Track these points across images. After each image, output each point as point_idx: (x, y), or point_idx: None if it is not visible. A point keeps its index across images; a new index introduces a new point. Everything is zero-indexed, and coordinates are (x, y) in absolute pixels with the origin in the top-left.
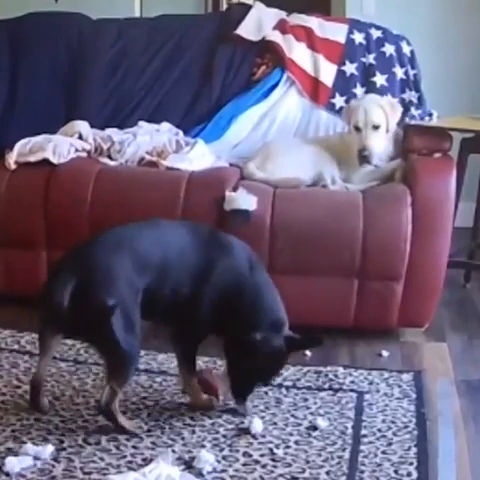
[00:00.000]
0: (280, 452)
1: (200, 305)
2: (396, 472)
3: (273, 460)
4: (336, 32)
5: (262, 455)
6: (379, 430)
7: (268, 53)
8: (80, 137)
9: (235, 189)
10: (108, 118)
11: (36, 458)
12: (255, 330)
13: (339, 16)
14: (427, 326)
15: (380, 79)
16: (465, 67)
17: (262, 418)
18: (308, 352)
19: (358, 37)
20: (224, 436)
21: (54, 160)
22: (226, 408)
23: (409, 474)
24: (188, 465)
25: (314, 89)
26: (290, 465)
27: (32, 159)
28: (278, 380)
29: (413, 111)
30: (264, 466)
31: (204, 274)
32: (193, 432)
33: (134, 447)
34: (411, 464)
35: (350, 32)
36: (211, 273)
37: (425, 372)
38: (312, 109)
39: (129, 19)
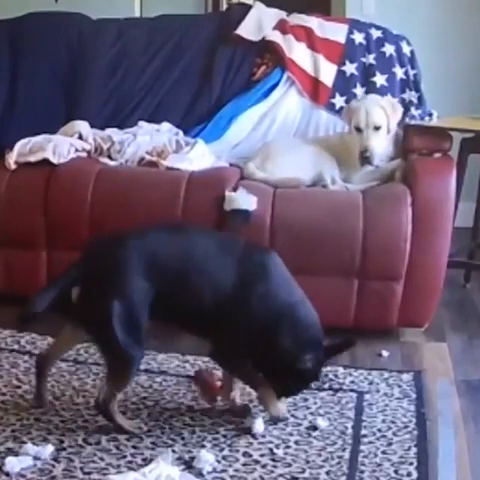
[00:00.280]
0: (280, 452)
1: (236, 329)
2: (396, 472)
3: (273, 460)
4: (336, 32)
5: (262, 455)
6: (379, 430)
7: (268, 53)
8: (80, 137)
9: (235, 189)
10: (108, 118)
11: (36, 458)
12: (301, 355)
13: (339, 16)
14: (427, 326)
15: (380, 79)
16: (465, 67)
17: (262, 418)
18: None
19: (358, 37)
20: (224, 436)
21: (54, 160)
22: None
23: (409, 474)
24: (188, 465)
25: (314, 89)
26: (290, 465)
27: (32, 159)
28: None
29: (413, 111)
30: (264, 466)
31: (237, 297)
32: (193, 432)
33: (134, 447)
34: (411, 464)
35: (350, 32)
36: (248, 299)
37: (425, 372)
38: (312, 109)
39: (129, 19)
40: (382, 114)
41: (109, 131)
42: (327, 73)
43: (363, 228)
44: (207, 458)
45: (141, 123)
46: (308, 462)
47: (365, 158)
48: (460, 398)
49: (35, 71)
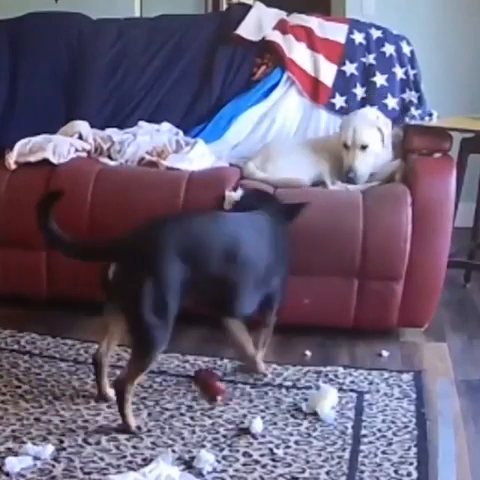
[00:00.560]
0: (280, 452)
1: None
2: (396, 472)
3: (273, 460)
4: (336, 32)
5: (262, 455)
6: (379, 430)
7: (268, 53)
8: (80, 137)
9: (235, 189)
10: (108, 118)
11: (36, 458)
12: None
13: (339, 16)
14: (427, 326)
15: (380, 79)
16: (465, 67)
17: (262, 418)
18: (308, 352)
19: (358, 37)
20: (224, 436)
21: (54, 160)
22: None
23: (409, 474)
24: (188, 465)
25: (314, 89)
26: (290, 465)
27: (32, 159)
28: (278, 380)
29: (413, 111)
30: (264, 466)
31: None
32: (193, 432)
33: (134, 447)
34: (411, 464)
35: (350, 32)
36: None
37: (425, 372)
38: (312, 109)
39: (129, 19)
40: (371, 133)
41: (109, 131)
42: (327, 73)
43: (363, 228)
44: (207, 458)
45: (141, 123)
46: (308, 462)
47: (349, 178)
48: (460, 398)
49: (35, 71)
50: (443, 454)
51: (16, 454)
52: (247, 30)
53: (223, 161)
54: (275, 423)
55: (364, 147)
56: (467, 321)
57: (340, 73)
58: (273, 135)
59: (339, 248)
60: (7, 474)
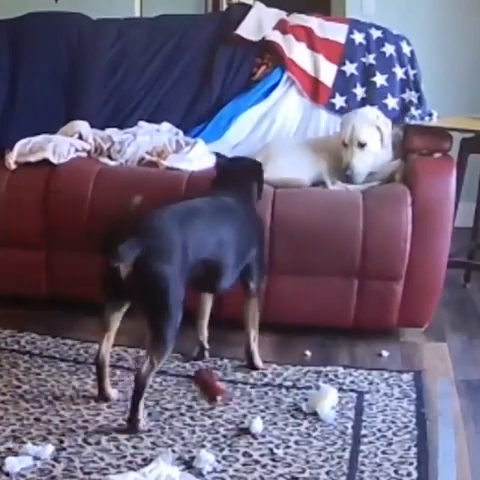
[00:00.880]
0: (280, 452)
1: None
2: (396, 472)
3: (273, 460)
4: (336, 32)
5: (262, 455)
6: (379, 430)
7: (268, 53)
8: (80, 137)
9: None
10: (108, 118)
11: (36, 458)
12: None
13: (339, 16)
14: (427, 326)
15: (380, 79)
16: (465, 67)
17: (262, 418)
18: (308, 352)
19: (358, 37)
20: (224, 436)
21: (54, 160)
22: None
23: (409, 474)
24: (188, 465)
25: (314, 89)
26: (290, 465)
27: (32, 159)
28: (278, 380)
29: (413, 111)
30: (264, 466)
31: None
32: (193, 432)
33: (134, 447)
34: (411, 464)
35: (350, 32)
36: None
37: (425, 372)
38: (312, 109)
39: (129, 19)
40: (370, 132)
41: (109, 131)
42: (327, 73)
43: (363, 228)
44: (207, 458)
45: (141, 123)
46: (308, 462)
47: (347, 176)
48: (460, 398)
49: (35, 71)
50: (443, 454)
51: (16, 454)
52: (247, 30)
53: None
54: (275, 423)
55: (362, 145)
56: (467, 321)
57: (340, 73)
58: (273, 135)
59: (339, 248)
60: (7, 474)
